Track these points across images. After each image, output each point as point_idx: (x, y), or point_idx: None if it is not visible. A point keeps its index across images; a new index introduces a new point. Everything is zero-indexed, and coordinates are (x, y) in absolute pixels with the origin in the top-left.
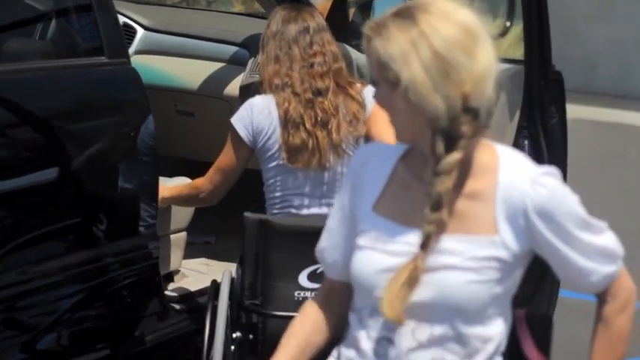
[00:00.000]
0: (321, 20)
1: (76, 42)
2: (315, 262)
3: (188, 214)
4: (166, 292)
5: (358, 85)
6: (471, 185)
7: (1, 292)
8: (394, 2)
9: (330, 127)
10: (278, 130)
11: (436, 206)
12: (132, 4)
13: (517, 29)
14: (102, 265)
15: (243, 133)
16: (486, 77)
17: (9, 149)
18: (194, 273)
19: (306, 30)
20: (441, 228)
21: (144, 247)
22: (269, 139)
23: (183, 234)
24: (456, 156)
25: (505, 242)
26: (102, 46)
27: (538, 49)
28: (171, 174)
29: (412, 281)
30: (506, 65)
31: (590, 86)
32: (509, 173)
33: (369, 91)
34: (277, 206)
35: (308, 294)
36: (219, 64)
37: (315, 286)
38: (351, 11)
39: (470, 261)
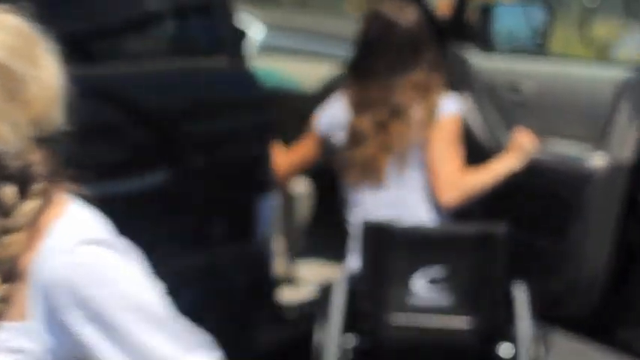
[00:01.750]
0: (420, 16)
1: (194, 42)
2: (428, 267)
3: (303, 218)
4: (279, 298)
5: (440, 92)
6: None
7: None
8: (514, 8)
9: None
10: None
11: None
12: (253, 2)
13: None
14: (215, 268)
15: None
16: (58, 94)
17: (126, 150)
18: (308, 277)
19: (406, 35)
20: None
21: (258, 251)
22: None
23: (297, 238)
24: (30, 206)
25: (38, 333)
26: (221, 46)
27: None
28: None
29: None
30: (629, 70)
31: None
32: (53, 239)
33: (448, 101)
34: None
35: (422, 300)
36: (338, 65)
37: (430, 290)
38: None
39: (7, 357)
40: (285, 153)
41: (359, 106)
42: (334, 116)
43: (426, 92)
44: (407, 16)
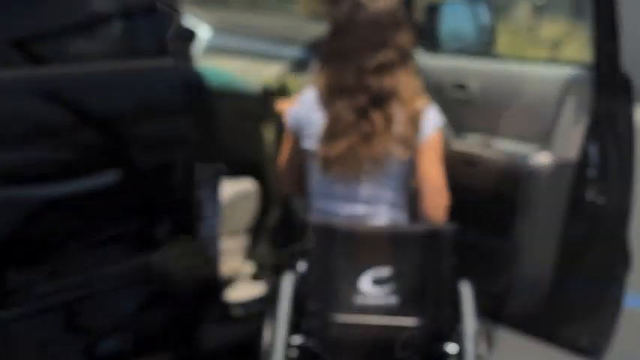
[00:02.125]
0: (390, 4)
1: (139, 43)
2: (375, 266)
3: (248, 217)
4: (226, 297)
5: (422, 100)
6: None
7: (60, 296)
8: (461, 7)
9: (374, 142)
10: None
11: None
12: (199, 3)
13: (584, 31)
14: (160, 269)
15: None
16: None
17: (69, 152)
18: (255, 277)
19: (374, 16)
20: None
21: (203, 251)
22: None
23: (244, 237)
24: None
25: None
26: (166, 48)
27: (606, 52)
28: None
29: None
30: (574, 69)
31: None
32: None
33: (432, 112)
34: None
35: (369, 300)
36: (286, 66)
37: (377, 291)
38: (419, 12)
39: None
40: (285, 169)
41: (334, 93)
42: (305, 111)
43: (402, 84)
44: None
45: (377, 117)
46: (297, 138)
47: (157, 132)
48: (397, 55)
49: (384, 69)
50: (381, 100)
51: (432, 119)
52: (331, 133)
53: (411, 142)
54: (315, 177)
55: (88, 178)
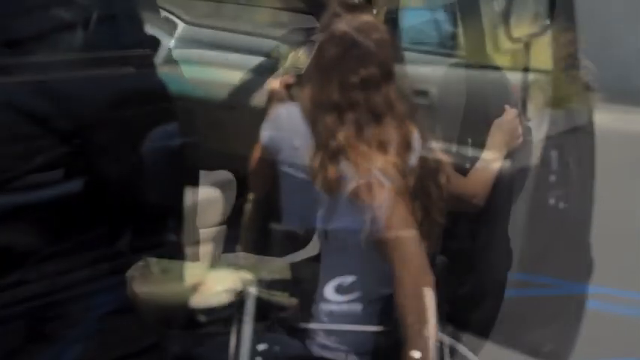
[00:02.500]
0: (373, 18)
1: (102, 51)
2: (341, 274)
3: (215, 224)
4: (192, 303)
5: (411, 123)
6: None
7: (28, 303)
8: (422, 11)
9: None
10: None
11: None
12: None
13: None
14: (126, 277)
15: None
16: None
17: (29, 161)
18: (220, 283)
19: (355, 30)
20: None
21: (170, 258)
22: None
23: (211, 243)
24: None
25: None
26: (129, 56)
27: (566, 56)
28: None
29: None
30: (535, 75)
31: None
32: None
33: (417, 136)
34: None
35: (334, 307)
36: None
37: (341, 298)
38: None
39: None
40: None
41: (321, 108)
42: (285, 133)
43: (393, 102)
44: (360, 15)
45: (371, 136)
46: (270, 160)
47: (122, 140)
48: (381, 71)
49: (368, 85)
50: (373, 117)
51: (419, 145)
52: (326, 152)
53: (405, 168)
54: (297, 200)
55: (50, 187)
